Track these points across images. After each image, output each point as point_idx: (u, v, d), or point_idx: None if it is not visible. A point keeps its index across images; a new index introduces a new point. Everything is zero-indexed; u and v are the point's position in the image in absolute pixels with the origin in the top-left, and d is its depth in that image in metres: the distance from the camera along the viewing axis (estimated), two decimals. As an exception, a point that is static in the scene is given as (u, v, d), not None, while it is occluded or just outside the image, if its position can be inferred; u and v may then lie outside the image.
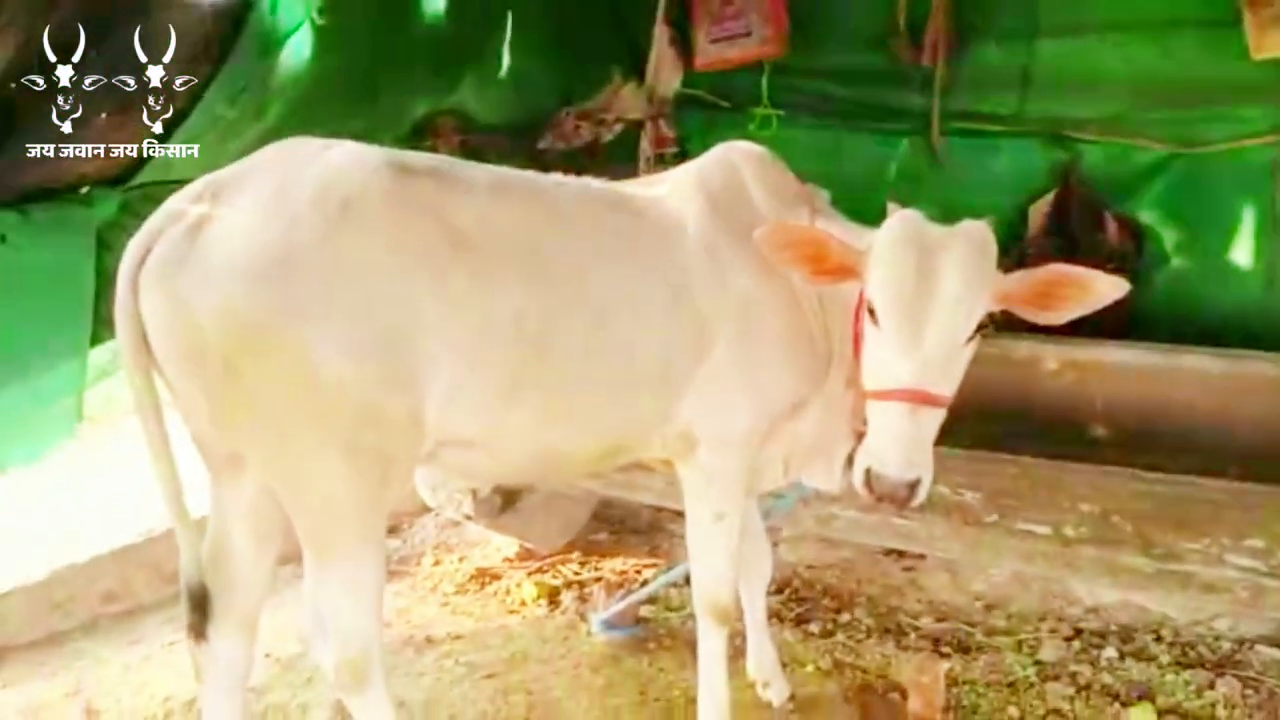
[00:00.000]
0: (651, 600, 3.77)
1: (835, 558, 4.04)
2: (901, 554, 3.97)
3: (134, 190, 2.96)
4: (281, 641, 3.52)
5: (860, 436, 2.57)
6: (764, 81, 4.95)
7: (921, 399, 2.15)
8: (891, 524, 3.21)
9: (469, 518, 4.04)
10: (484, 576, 4.11)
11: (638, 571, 3.97)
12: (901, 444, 2.14)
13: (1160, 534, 2.82)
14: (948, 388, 2.20)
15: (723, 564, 2.68)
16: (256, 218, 1.96)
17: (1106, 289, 2.14)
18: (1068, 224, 4.60)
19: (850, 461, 2.45)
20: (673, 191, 2.59)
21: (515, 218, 2.26)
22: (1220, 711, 3.09)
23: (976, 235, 2.19)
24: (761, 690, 3.18)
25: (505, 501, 4.08)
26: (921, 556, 3.90)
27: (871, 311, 2.22)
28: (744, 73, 4.98)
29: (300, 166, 2.06)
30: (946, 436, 2.26)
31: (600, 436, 2.49)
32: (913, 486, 2.14)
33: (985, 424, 3.18)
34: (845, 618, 3.70)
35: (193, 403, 2.09)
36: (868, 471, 2.18)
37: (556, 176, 2.52)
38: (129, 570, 3.94)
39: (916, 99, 4.77)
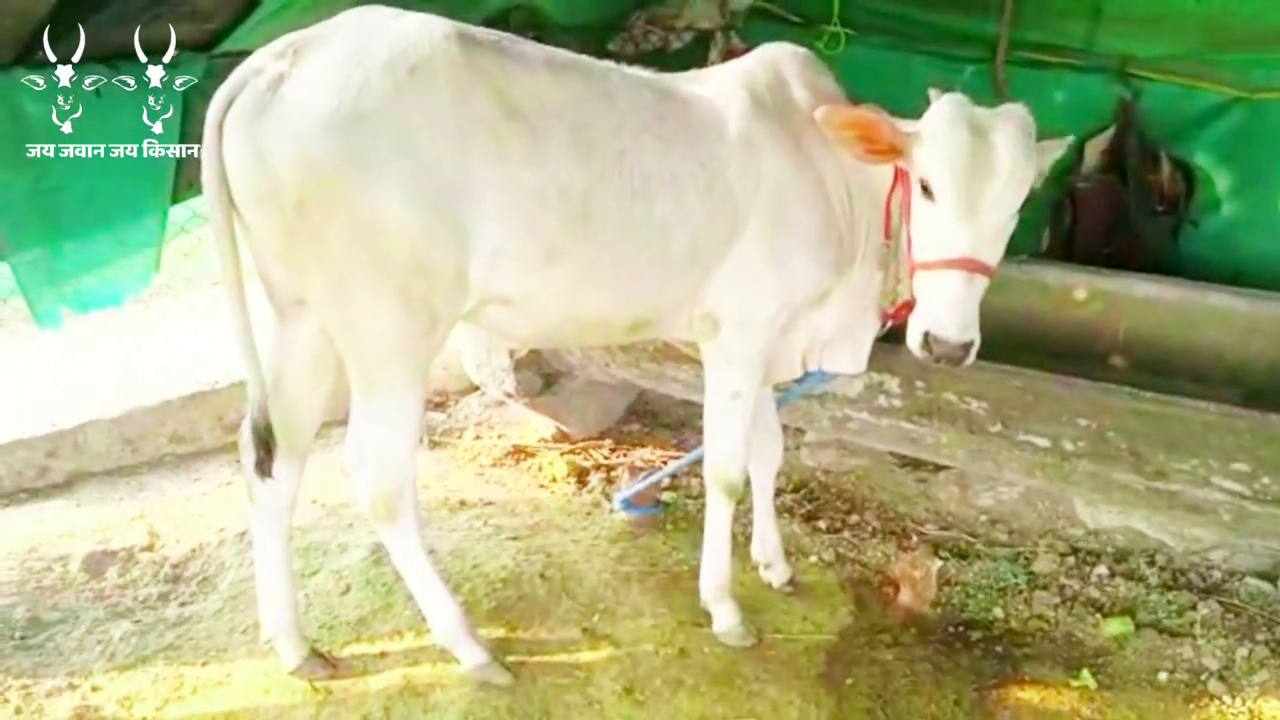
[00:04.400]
0: (673, 486, 4.01)
1: (853, 464, 4.22)
2: (916, 466, 4.14)
3: (218, 58, 3.17)
4: (328, 491, 3.82)
5: (885, 319, 2.80)
6: (835, -1, 5.00)
7: (976, 267, 2.39)
8: (901, 428, 3.40)
9: (510, 395, 4.29)
10: (520, 453, 4.37)
11: (664, 462, 4.18)
12: (959, 309, 2.38)
13: (1152, 452, 2.97)
14: (995, 257, 2.44)
15: (735, 441, 2.89)
16: (333, 77, 2.17)
17: None
18: (1123, 162, 4.65)
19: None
20: (719, 86, 2.75)
21: (568, 95, 2.44)
22: (1197, 630, 3.24)
23: (1021, 116, 2.44)
24: (763, 571, 3.41)
25: (545, 383, 4.32)
26: (935, 470, 4.07)
27: (925, 189, 2.45)
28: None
29: (375, 32, 2.25)
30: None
31: (631, 307, 2.69)
32: (967, 347, 2.40)
33: (1013, 346, 3.33)
34: (854, 518, 3.89)
35: (264, 242, 2.33)
36: (925, 335, 2.43)
37: (609, 63, 2.69)
38: (195, 416, 4.27)
39: (986, 26, 4.80)
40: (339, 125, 2.15)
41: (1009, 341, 3.44)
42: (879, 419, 3.41)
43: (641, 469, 4.11)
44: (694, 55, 5.27)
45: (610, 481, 4.09)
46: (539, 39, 4.64)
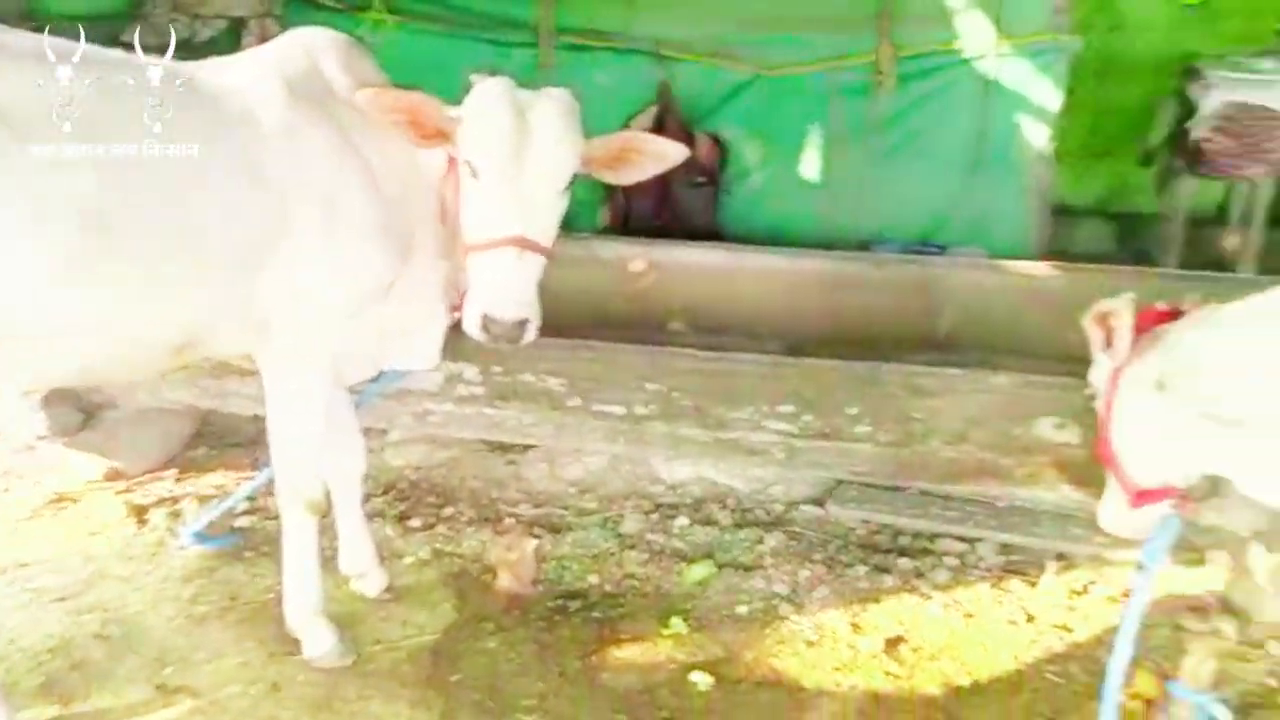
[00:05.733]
0: (251, 509, 3.71)
1: (443, 457, 4.15)
2: (506, 449, 4.16)
3: None
4: None
5: (453, 309, 2.73)
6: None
7: (527, 245, 2.38)
8: (484, 414, 3.38)
9: (42, 438, 3.74)
10: (62, 500, 3.81)
11: (238, 484, 3.85)
12: (512, 286, 2.37)
13: (713, 406, 3.19)
14: (547, 237, 2.44)
15: (306, 452, 2.72)
16: None
17: (673, 153, 2.53)
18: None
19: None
20: (247, 74, 2.53)
21: (71, 91, 2.13)
22: (767, 561, 3.53)
23: (561, 96, 2.47)
24: (356, 582, 3.24)
25: (85, 418, 3.81)
26: (524, 450, 4.12)
27: (472, 170, 2.42)
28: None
29: None
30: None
31: (173, 326, 2.42)
32: (523, 325, 2.39)
33: (578, 318, 3.42)
34: (448, 511, 3.82)
35: None
36: (482, 316, 2.39)
37: (120, 53, 2.38)
38: None
39: (530, 11, 4.90)
40: None
41: (578, 317, 3.54)
42: (461, 408, 3.37)
43: (213, 496, 3.75)
44: (226, 46, 4.90)
45: (177, 516, 3.68)
46: (37, 30, 4.09)
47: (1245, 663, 3.06)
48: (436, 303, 2.85)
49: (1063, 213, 5.45)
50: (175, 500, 3.79)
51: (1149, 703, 2.83)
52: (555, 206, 2.49)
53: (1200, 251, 5.32)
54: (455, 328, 3.00)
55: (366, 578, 3.23)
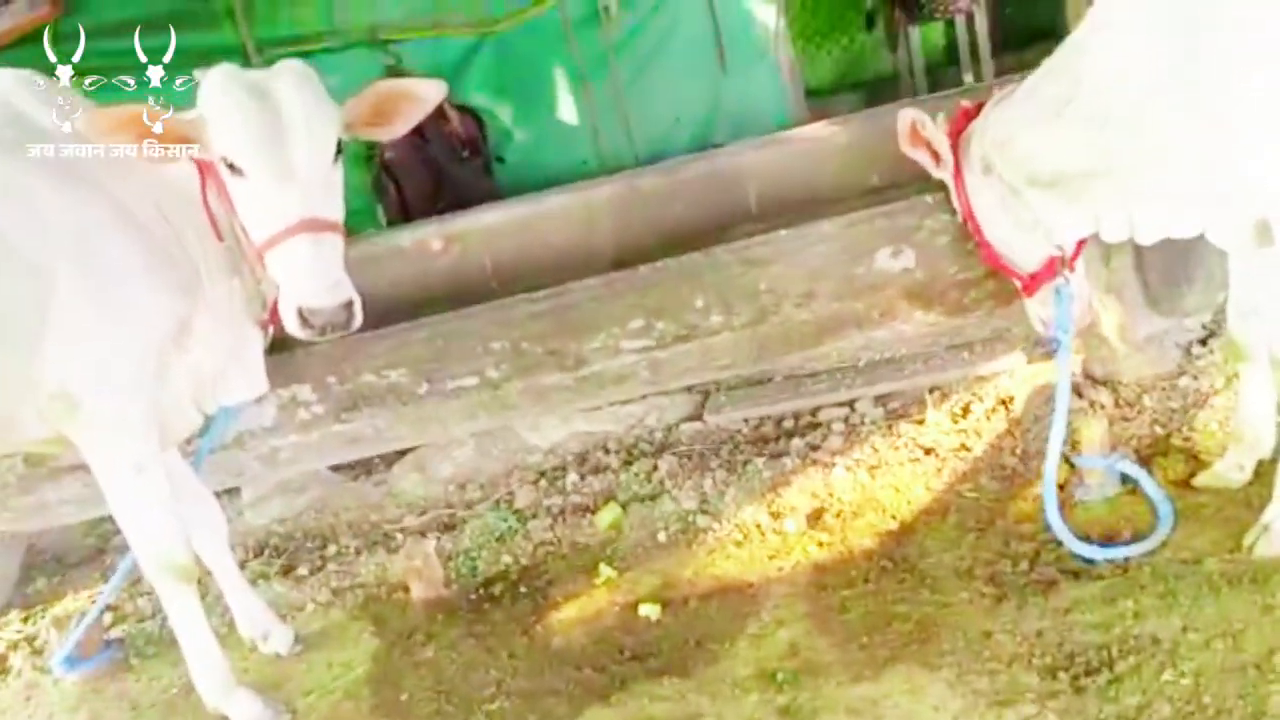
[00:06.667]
0: (120, 618, 3.39)
1: (304, 501, 3.89)
2: (369, 471, 3.95)
3: None
4: None
5: (264, 326, 2.53)
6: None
7: (318, 226, 2.22)
8: (334, 433, 3.17)
9: None
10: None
11: (92, 600, 3.49)
12: (318, 272, 2.21)
13: (564, 345, 3.09)
14: (334, 211, 2.29)
15: (160, 517, 2.48)
16: None
17: (430, 91, 2.42)
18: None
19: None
20: None
21: None
22: (668, 485, 3.50)
23: (295, 65, 2.35)
24: (264, 646, 3.01)
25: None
26: (388, 466, 3.92)
27: (232, 167, 2.24)
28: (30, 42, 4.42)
29: None
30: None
31: None
32: (348, 307, 2.23)
33: (401, 314, 3.24)
34: (332, 549, 3.60)
35: None
36: (299, 311, 2.21)
37: None
38: None
39: (228, 36, 4.60)
40: None
41: (400, 313, 3.35)
42: (308, 434, 3.14)
43: (69, 617, 3.39)
44: None
45: (40, 653, 3.32)
46: None
47: (1129, 421, 3.26)
48: (243, 325, 2.61)
49: (810, 95, 5.62)
50: (31, 639, 3.41)
51: (1063, 487, 2.96)
52: (331, 179, 2.32)
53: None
54: (277, 348, 2.81)
55: (271, 637, 3.00)
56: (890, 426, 3.54)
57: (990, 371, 3.62)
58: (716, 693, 2.51)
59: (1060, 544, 2.72)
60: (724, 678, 2.56)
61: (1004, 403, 3.50)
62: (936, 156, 2.70)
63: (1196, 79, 2.18)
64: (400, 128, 2.45)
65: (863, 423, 3.61)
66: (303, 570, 3.48)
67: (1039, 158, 2.45)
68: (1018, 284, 2.73)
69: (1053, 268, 2.59)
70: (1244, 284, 2.57)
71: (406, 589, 3.21)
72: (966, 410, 3.51)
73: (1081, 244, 2.64)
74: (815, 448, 3.52)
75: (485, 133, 4.97)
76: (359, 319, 2.29)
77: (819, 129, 4.08)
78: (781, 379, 3.96)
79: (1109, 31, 2.32)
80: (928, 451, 3.37)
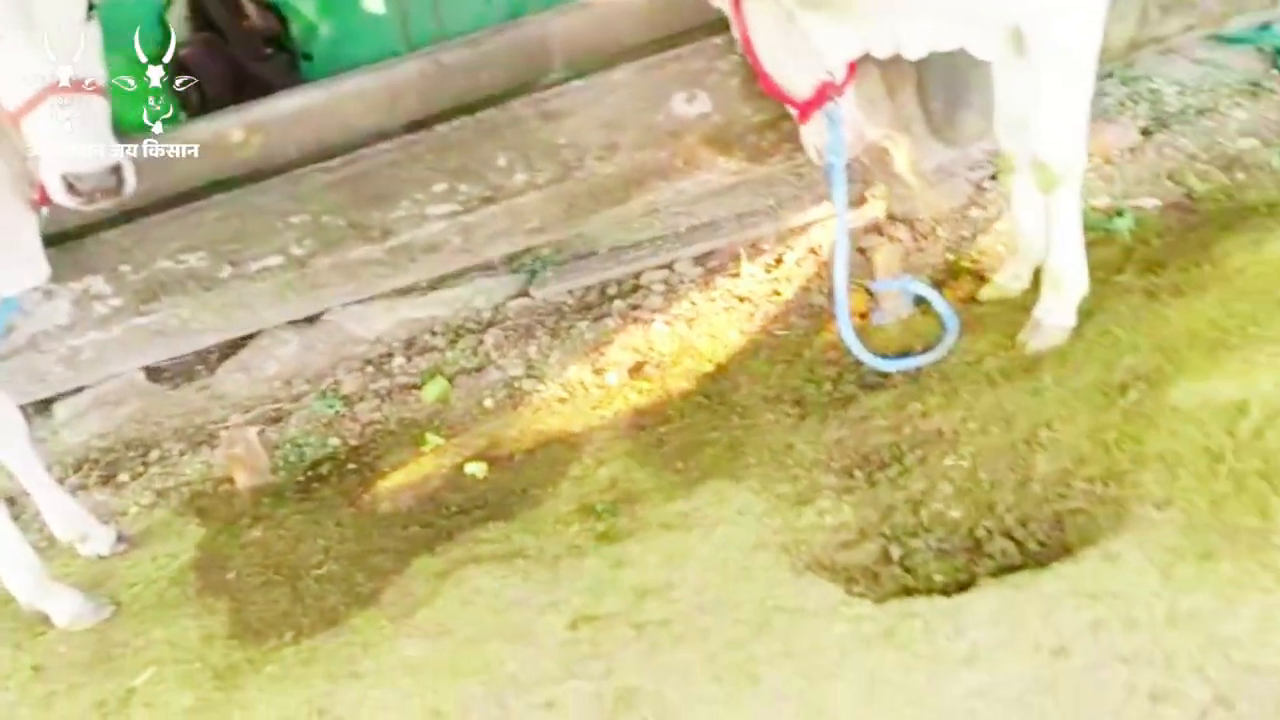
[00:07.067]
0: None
1: (124, 413, 3.73)
2: (191, 376, 3.82)
3: None
4: None
5: (36, 206, 2.41)
6: None
7: (75, 88, 2.11)
8: (136, 326, 3.06)
9: None
10: None
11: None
12: (79, 134, 2.11)
13: (366, 215, 3.04)
14: (92, 72, 2.18)
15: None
16: None
17: None
18: (211, 19, 4.56)
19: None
20: None
21: None
22: (493, 355, 3.52)
23: None
24: (82, 547, 2.92)
25: None
26: (211, 370, 3.80)
27: None
28: None
29: None
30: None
31: None
32: (117, 171, 2.16)
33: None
34: (155, 454, 3.50)
35: None
36: (63, 178, 2.13)
37: None
38: None
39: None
40: None
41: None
42: (109, 330, 3.02)
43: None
44: None
45: None
46: None
47: (924, 251, 3.43)
48: (12, 206, 2.48)
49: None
50: None
51: (864, 315, 3.11)
52: (87, 37, 2.19)
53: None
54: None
55: (91, 538, 2.92)
56: (707, 282, 3.63)
57: (801, 223, 3.73)
58: (539, 530, 2.59)
59: (861, 365, 2.87)
60: (546, 516, 2.64)
61: (814, 251, 3.63)
62: None
63: None
64: None
65: (682, 282, 3.69)
66: (124, 477, 3.38)
67: None
68: (793, 112, 2.80)
69: (824, 93, 2.66)
70: (1007, 96, 2.71)
71: (232, 480, 3.16)
72: (779, 260, 3.63)
73: (853, 69, 2.72)
74: (636, 307, 3.59)
75: (289, 28, 4.76)
76: (131, 183, 2.21)
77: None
78: (605, 251, 4.00)
79: None
80: (742, 300, 3.48)
